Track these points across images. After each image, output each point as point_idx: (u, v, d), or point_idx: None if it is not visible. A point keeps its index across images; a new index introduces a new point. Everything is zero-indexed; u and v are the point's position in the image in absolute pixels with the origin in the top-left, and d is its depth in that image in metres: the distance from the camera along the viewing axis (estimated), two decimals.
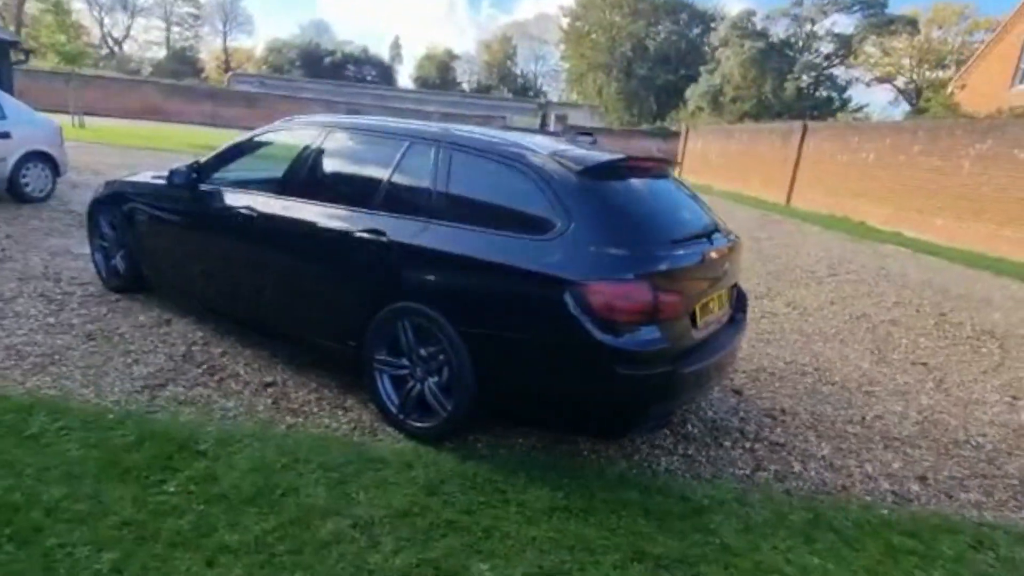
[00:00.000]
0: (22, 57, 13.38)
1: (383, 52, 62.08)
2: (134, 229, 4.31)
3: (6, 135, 7.21)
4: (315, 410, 3.21)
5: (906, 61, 37.02)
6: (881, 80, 37.72)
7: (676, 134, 29.90)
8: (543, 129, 38.03)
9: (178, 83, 37.67)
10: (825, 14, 31.68)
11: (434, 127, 3.22)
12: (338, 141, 3.49)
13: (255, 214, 3.47)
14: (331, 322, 3.31)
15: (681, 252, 2.79)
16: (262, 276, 3.58)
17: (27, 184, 7.60)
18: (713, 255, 2.98)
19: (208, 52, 59.80)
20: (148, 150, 15.78)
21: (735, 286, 3.43)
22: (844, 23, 32.50)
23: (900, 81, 37.81)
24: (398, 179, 3.11)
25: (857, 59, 34.30)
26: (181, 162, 4.07)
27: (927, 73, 36.62)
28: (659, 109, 37.97)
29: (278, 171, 3.69)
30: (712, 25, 37.17)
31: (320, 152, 3.45)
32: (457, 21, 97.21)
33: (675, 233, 2.89)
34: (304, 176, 3.44)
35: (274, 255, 3.50)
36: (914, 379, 4.57)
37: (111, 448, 2.62)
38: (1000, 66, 18.66)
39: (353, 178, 3.43)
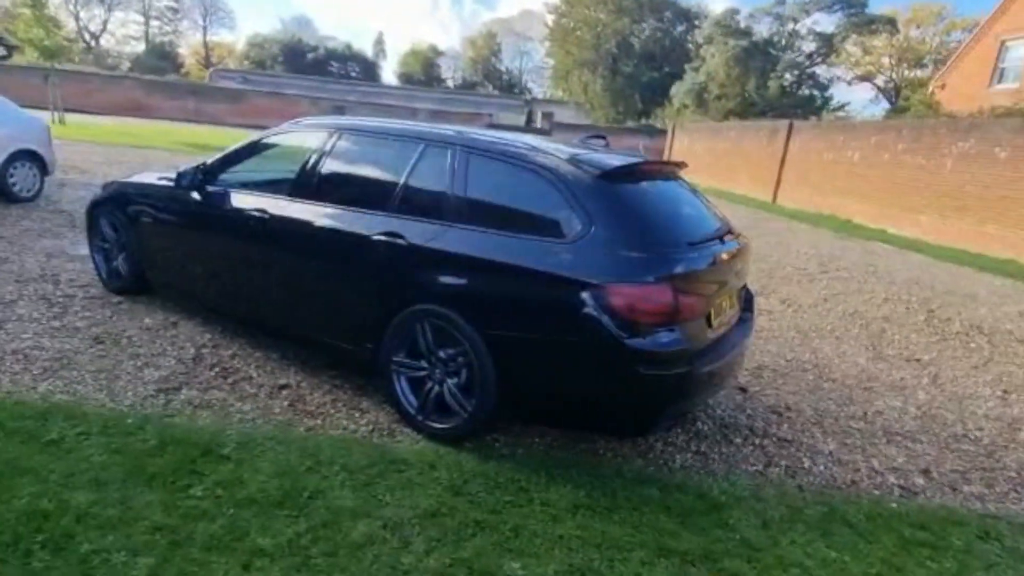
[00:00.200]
0: (3, 53, 13.09)
1: (366, 48, 61.66)
2: (138, 231, 4.28)
3: None
4: (332, 412, 3.22)
5: (886, 60, 37.62)
6: (862, 79, 38.30)
7: (662, 131, 30.09)
8: (529, 126, 38.07)
9: (159, 79, 37.04)
10: (807, 13, 31.99)
11: (449, 130, 3.24)
12: (350, 143, 3.49)
13: (267, 216, 3.47)
14: (346, 324, 3.32)
15: (698, 254, 2.85)
16: (274, 278, 3.58)
17: (15, 184, 7.47)
18: (725, 257, 3.05)
19: (188, 47, 58.92)
20: (132, 147, 15.55)
21: (744, 286, 3.50)
22: (826, 22, 33.02)
23: (880, 80, 38.43)
24: (414, 182, 3.13)
25: (839, 57, 34.76)
26: (168, 160, 4.09)
27: (906, 72, 37.25)
28: (644, 106, 38.11)
29: (287, 173, 3.69)
30: (696, 23, 37.36)
31: (333, 154, 3.45)
32: (441, 17, 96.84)
33: (691, 235, 2.95)
34: (317, 178, 3.44)
35: (286, 257, 3.50)
36: (910, 375, 4.69)
37: (134, 453, 2.62)
38: (979, 66, 19.05)
39: (367, 181, 3.43)
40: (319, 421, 3.12)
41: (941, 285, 8.12)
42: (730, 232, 3.25)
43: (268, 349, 3.86)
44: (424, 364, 3.01)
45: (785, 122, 18.21)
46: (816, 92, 33.38)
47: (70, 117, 21.13)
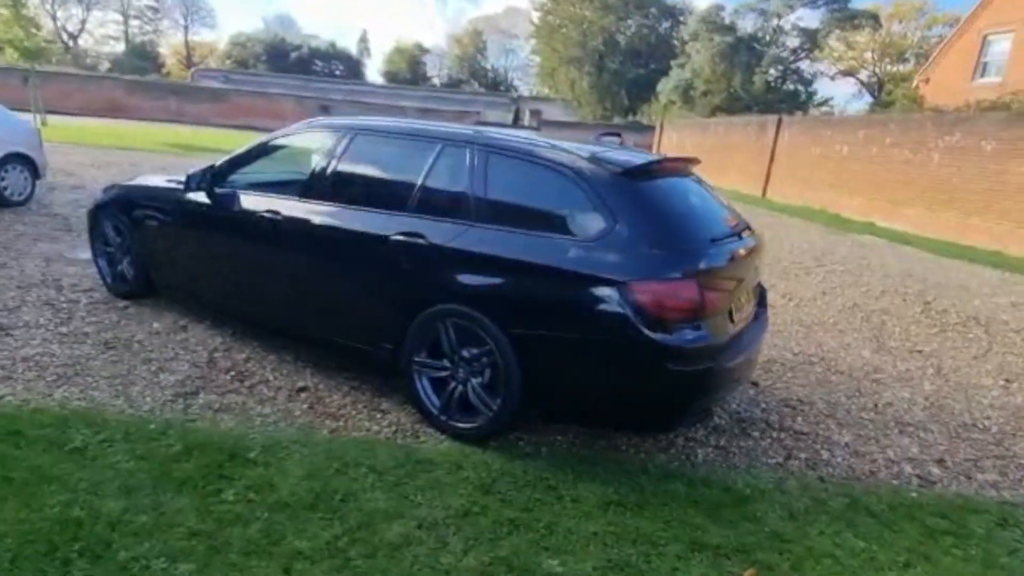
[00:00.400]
0: None
1: (351, 46, 61.19)
2: (145, 234, 4.23)
3: None
4: (352, 414, 3.21)
5: (868, 55, 38.07)
6: (845, 74, 38.73)
7: (649, 128, 30.22)
8: (517, 124, 38.04)
9: (141, 79, 36.53)
10: (791, 8, 32.25)
11: (466, 129, 3.24)
12: (365, 144, 3.47)
13: (281, 217, 3.44)
14: (365, 325, 3.31)
15: (720, 250, 2.87)
16: (289, 280, 3.55)
17: (6, 188, 7.33)
18: (743, 253, 3.08)
19: (169, 47, 58.09)
20: (117, 149, 15.33)
21: (758, 282, 3.54)
22: (809, 17, 33.33)
23: (863, 75, 38.88)
24: (433, 182, 3.12)
25: (822, 53, 35.09)
26: (156, 161, 4.06)
27: (888, 67, 37.73)
28: (631, 103, 38.29)
29: (300, 174, 3.66)
30: (681, 19, 37.59)
31: (348, 155, 3.43)
32: (425, 15, 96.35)
33: (713, 231, 2.97)
34: (332, 179, 3.42)
35: (302, 259, 3.47)
36: (914, 366, 4.76)
37: (160, 459, 2.60)
38: (962, 61, 19.33)
39: (385, 181, 3.42)
40: (341, 423, 3.11)
41: (933, 277, 8.25)
42: (748, 228, 3.29)
43: (281, 351, 3.84)
44: (447, 364, 3.01)
45: (774, 117, 18.38)
46: (800, 87, 33.72)
47: (51, 119, 20.76)
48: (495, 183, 2.96)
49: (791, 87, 33.42)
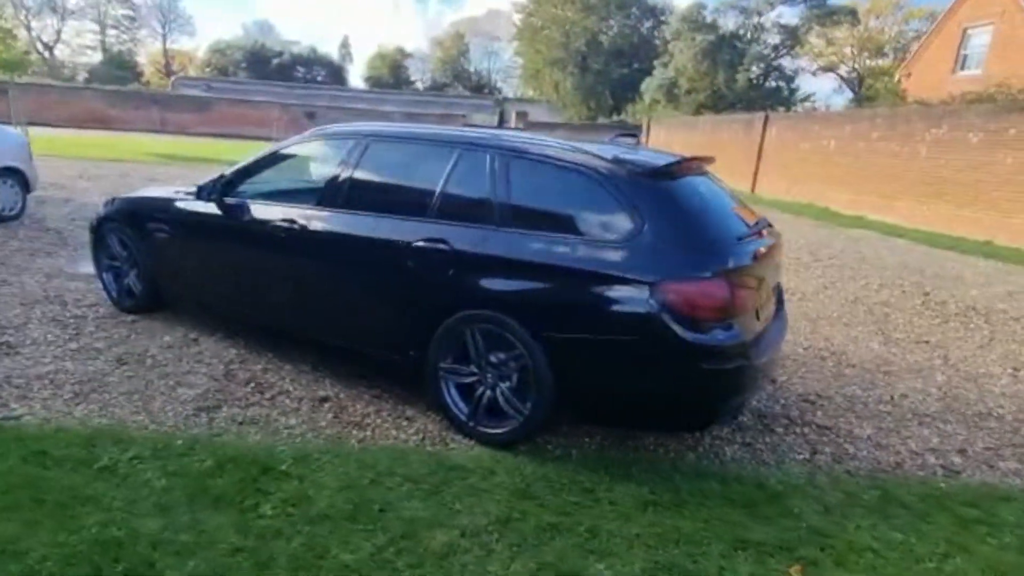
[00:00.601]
0: None
1: (332, 52, 60.89)
2: (154, 246, 4.16)
3: None
4: (378, 422, 3.19)
5: (848, 50, 38.50)
6: (825, 69, 39.10)
7: (635, 127, 30.34)
8: (503, 126, 38.03)
9: (121, 89, 36.03)
10: (771, 6, 32.59)
11: (485, 133, 3.23)
12: (381, 150, 3.44)
13: (299, 226, 3.41)
14: (387, 332, 3.28)
15: (745, 249, 2.88)
16: (308, 289, 3.52)
17: None
18: (765, 251, 3.09)
19: (147, 55, 57.31)
20: (105, 161, 15.13)
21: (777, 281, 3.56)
22: (789, 14, 33.58)
23: (843, 70, 39.31)
24: (453, 187, 3.10)
25: (803, 49, 35.47)
26: (145, 172, 4.01)
27: (867, 61, 38.19)
28: (616, 103, 38.41)
29: (315, 182, 3.63)
30: (662, 19, 37.85)
31: (363, 162, 3.40)
32: (405, 18, 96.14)
33: (738, 230, 2.99)
34: (349, 186, 3.39)
35: (321, 267, 3.44)
36: (923, 357, 4.82)
37: (193, 475, 2.56)
38: (942, 54, 19.66)
39: (403, 188, 3.40)
40: (368, 432, 3.09)
41: (929, 269, 8.37)
42: (768, 225, 3.31)
43: (297, 361, 3.80)
44: (474, 369, 3.00)
45: (761, 114, 18.55)
46: (783, 84, 34.06)
47: (32, 131, 20.42)
48: (518, 187, 2.95)
49: (774, 84, 33.76)
